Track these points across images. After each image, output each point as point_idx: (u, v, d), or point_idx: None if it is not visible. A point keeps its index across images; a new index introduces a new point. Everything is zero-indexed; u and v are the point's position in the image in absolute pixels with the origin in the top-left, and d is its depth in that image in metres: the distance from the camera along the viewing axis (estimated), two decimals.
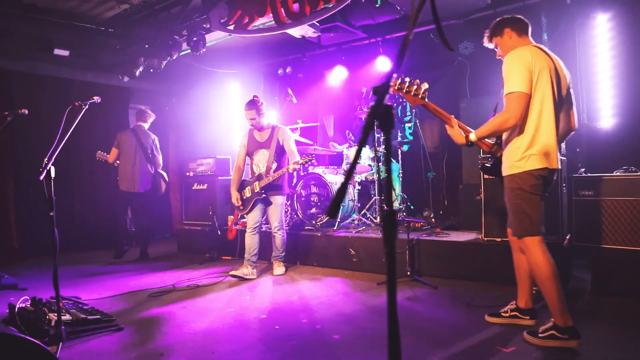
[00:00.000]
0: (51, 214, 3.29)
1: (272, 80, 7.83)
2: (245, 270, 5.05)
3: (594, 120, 5.18)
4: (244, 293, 4.52)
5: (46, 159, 3.30)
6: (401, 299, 4.11)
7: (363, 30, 6.21)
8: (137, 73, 6.65)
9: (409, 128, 6.94)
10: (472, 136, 3.02)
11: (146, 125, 6.41)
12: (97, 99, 3.93)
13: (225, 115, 7.94)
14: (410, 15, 1.63)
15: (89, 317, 3.57)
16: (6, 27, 6.10)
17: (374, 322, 3.54)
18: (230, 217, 6.33)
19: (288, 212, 6.25)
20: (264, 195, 5.08)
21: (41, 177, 3.20)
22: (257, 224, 5.19)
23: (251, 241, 5.16)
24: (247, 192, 5.21)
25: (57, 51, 6.66)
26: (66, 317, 3.43)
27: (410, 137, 6.82)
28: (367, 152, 5.94)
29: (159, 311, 4.01)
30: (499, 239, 4.53)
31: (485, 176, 4.64)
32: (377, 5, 5.16)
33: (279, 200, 5.14)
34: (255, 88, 7.92)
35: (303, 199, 6.03)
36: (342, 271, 5.23)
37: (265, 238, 5.85)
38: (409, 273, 4.67)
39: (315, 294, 4.40)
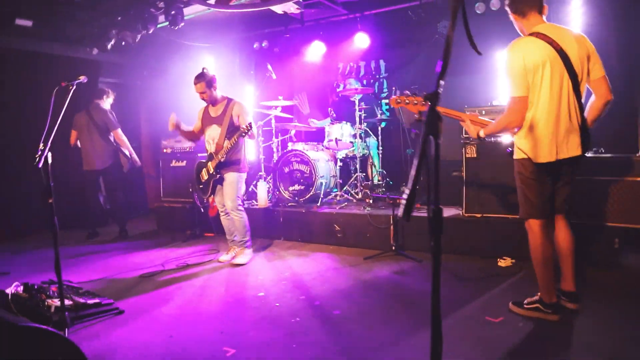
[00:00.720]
0: (50, 201, 3.23)
1: (247, 55, 7.72)
2: (233, 253, 5.01)
3: None
4: (235, 271, 4.60)
5: (41, 144, 3.21)
6: (389, 273, 4.32)
7: (344, 7, 6.21)
8: (109, 46, 6.41)
9: (386, 104, 7.07)
10: (482, 133, 3.14)
11: (103, 103, 6.26)
12: (83, 78, 3.81)
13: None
14: (451, 14, 1.72)
15: (88, 301, 3.58)
16: None
17: (370, 297, 3.72)
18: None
19: (269, 189, 6.29)
20: (218, 175, 4.76)
21: (40, 165, 3.12)
22: (223, 205, 4.97)
23: (226, 222, 5.03)
24: (204, 175, 4.89)
25: (18, 21, 6.30)
26: (67, 302, 3.42)
27: (387, 114, 6.95)
28: (348, 129, 6.03)
29: (155, 293, 4.04)
30: (478, 215, 4.78)
31: (468, 155, 4.84)
32: None
33: (230, 178, 4.75)
34: (230, 62, 7.81)
35: (286, 175, 6.09)
36: (327, 246, 5.39)
37: (258, 214, 5.92)
38: (393, 248, 4.87)
39: (306, 270, 4.54)
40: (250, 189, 6.47)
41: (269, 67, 6.50)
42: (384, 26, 6.69)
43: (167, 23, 6.08)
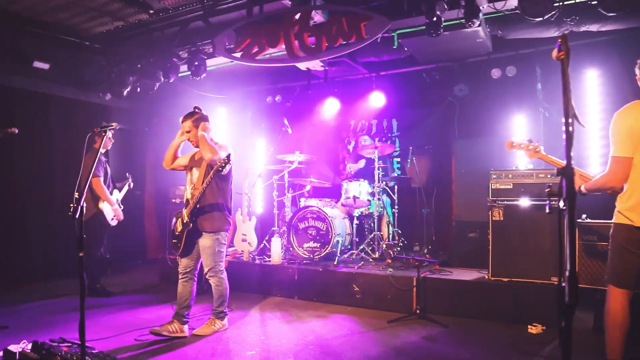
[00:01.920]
0: (80, 254, 3.01)
1: (259, 108, 7.73)
2: (170, 327, 4.12)
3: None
4: (254, 332, 4.35)
5: (76, 193, 3.03)
6: (418, 339, 4.13)
7: (364, 67, 6.32)
8: (125, 92, 6.35)
9: (397, 163, 7.08)
10: (583, 188, 3.08)
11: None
12: (116, 125, 3.70)
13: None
14: (563, 84, 1.68)
15: None
16: None
17: None
18: None
19: (283, 245, 6.11)
20: (191, 224, 4.06)
21: (77, 215, 2.93)
22: (189, 268, 4.24)
23: (181, 289, 4.23)
24: (179, 225, 4.19)
25: (36, 64, 6.24)
26: None
27: (398, 172, 6.95)
28: (366, 187, 5.97)
29: (171, 356, 3.76)
30: (505, 279, 4.68)
31: (494, 217, 4.79)
32: (393, 47, 5.27)
33: (205, 242, 4.12)
34: (242, 114, 7.80)
35: (301, 231, 5.93)
36: (345, 307, 5.17)
37: (271, 271, 5.71)
38: (418, 311, 4.70)
39: (330, 333, 4.31)
40: (262, 245, 6.28)
41: (285, 121, 6.49)
42: (399, 86, 6.82)
43: (187, 73, 6.08)
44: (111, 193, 5.68)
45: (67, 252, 6.60)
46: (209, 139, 4.10)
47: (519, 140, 3.51)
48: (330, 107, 7.03)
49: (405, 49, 5.56)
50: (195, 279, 4.34)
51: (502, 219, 4.79)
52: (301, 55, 5.18)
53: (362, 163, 6.50)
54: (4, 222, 6.21)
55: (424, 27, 4.71)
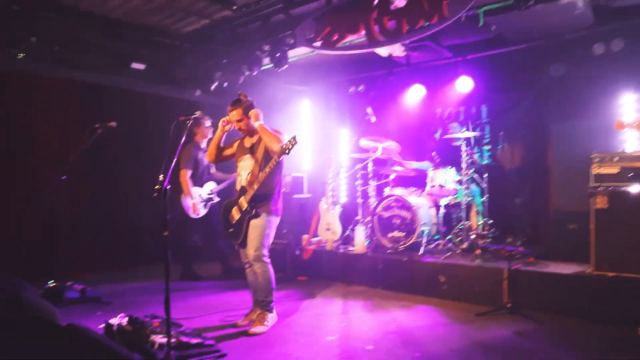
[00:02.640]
0: (165, 233, 3.16)
1: (342, 98, 7.69)
2: (253, 316, 4.08)
3: None
4: (336, 319, 4.32)
5: (161, 175, 3.18)
6: (509, 334, 3.85)
7: (449, 50, 6.03)
8: (212, 88, 6.61)
9: (488, 150, 6.69)
10: None
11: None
12: (199, 113, 3.83)
13: (296, 132, 7.80)
14: None
15: (191, 340, 3.42)
16: (88, 41, 6.15)
17: None
18: (305, 236, 6.17)
19: (367, 234, 6.02)
20: (254, 211, 3.99)
21: (159, 195, 3.07)
22: None
23: (252, 277, 4.18)
24: (235, 214, 4.10)
25: (134, 65, 6.68)
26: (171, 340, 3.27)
27: (489, 160, 6.56)
28: (452, 175, 5.69)
29: (252, 338, 3.82)
30: (611, 273, 4.21)
31: (598, 206, 4.33)
32: (479, 25, 4.96)
33: (257, 221, 3.99)
34: (325, 105, 7.81)
35: (385, 220, 5.80)
36: (430, 299, 4.95)
37: (355, 260, 5.69)
38: (509, 305, 4.38)
39: (413, 323, 4.16)
40: (346, 233, 6.24)
41: (369, 110, 6.39)
42: (487, 70, 6.41)
43: (269, 65, 6.19)
44: (202, 185, 5.81)
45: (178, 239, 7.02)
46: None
47: (632, 119, 3.09)
48: (414, 94, 6.80)
49: (493, 27, 5.20)
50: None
51: (607, 206, 4.31)
52: (381, 40, 5.04)
53: (427, 165, 6.20)
54: (109, 209, 6.76)
55: (512, 1, 4.38)
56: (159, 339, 3.27)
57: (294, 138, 3.84)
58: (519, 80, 6.34)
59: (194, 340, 3.43)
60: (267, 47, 6.04)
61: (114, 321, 3.66)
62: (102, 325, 3.69)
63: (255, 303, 4.20)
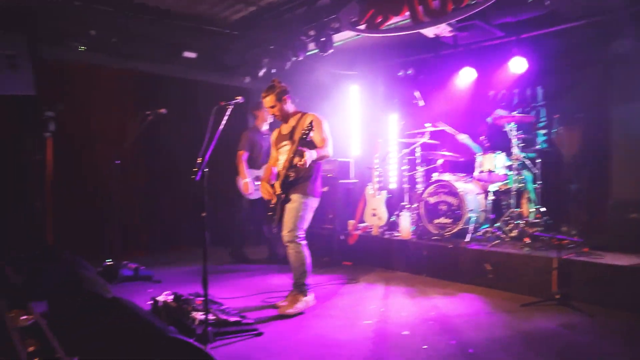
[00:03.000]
0: (203, 214, 3.28)
1: (391, 82, 7.56)
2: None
3: None
4: (375, 303, 4.31)
5: (200, 159, 3.28)
6: (555, 326, 3.69)
7: (500, 29, 5.76)
8: (261, 74, 6.72)
9: (543, 135, 6.37)
10: None
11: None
12: (240, 99, 3.89)
13: (343, 117, 7.80)
14: None
15: (230, 318, 3.54)
16: (142, 32, 6.41)
17: (534, 352, 3.17)
18: (351, 222, 6.17)
19: (413, 220, 5.95)
20: (284, 195, 4.04)
21: (197, 178, 3.19)
22: None
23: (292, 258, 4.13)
24: (272, 199, 4.18)
25: (185, 54, 6.90)
26: (210, 317, 3.40)
27: (545, 145, 6.24)
28: (502, 160, 5.48)
29: (292, 317, 3.90)
30: None
31: None
32: (529, 1, 4.70)
33: (293, 201, 3.99)
34: (373, 90, 7.73)
35: (431, 206, 5.69)
36: (475, 287, 4.83)
37: (399, 246, 5.64)
38: (557, 296, 4.19)
39: (454, 311, 4.07)
40: (392, 219, 6.18)
41: (417, 94, 6.25)
42: (542, 49, 6.06)
43: (315, 51, 6.19)
44: (259, 168, 5.86)
45: (219, 221, 7.27)
46: (321, 123, 4.10)
47: None
48: (465, 77, 6.56)
49: (546, 2, 4.90)
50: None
51: None
52: (426, 21, 4.90)
53: (498, 135, 5.97)
54: (164, 192, 7.08)
55: None
56: (199, 315, 3.40)
57: (310, 123, 3.87)
58: (577, 59, 5.95)
59: (233, 319, 3.54)
60: (312, 32, 6.04)
61: (161, 298, 3.85)
62: (150, 302, 3.89)
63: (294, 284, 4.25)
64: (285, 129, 4.24)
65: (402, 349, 3.20)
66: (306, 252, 4.07)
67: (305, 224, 4.10)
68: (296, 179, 4.02)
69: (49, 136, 5.01)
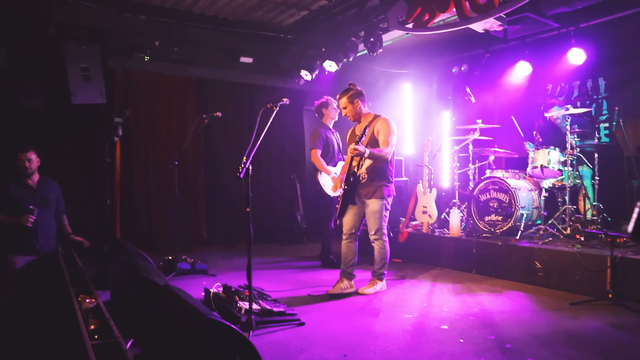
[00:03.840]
0: (248, 209, 3.50)
1: (445, 80, 7.51)
2: (342, 285, 4.47)
3: None
4: (419, 299, 4.36)
5: (245, 157, 3.51)
6: (603, 325, 3.58)
7: (554, 20, 5.58)
8: (313, 76, 6.92)
9: (605, 129, 6.09)
10: None
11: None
12: (286, 100, 4.08)
13: (397, 115, 7.83)
14: None
15: (274, 308, 3.75)
16: (202, 40, 6.80)
17: (576, 350, 3.10)
18: (402, 219, 6.22)
19: (463, 217, 5.92)
20: (346, 187, 4.38)
21: (242, 175, 3.41)
22: (353, 230, 4.52)
23: (345, 249, 4.54)
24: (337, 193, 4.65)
25: (242, 59, 7.23)
26: (255, 306, 3.62)
27: (606, 139, 5.97)
28: (556, 156, 5.31)
29: (336, 309, 4.06)
30: None
31: None
32: None
33: (375, 205, 4.38)
34: (427, 88, 7.70)
35: (482, 203, 5.63)
36: (524, 285, 4.74)
37: (448, 244, 5.68)
38: (610, 295, 4.04)
39: (497, 308, 4.04)
40: (442, 216, 6.17)
41: (468, 90, 6.19)
42: (604, 39, 5.79)
43: (364, 52, 6.30)
44: (335, 165, 5.75)
45: (283, 222, 7.54)
46: (389, 127, 4.40)
47: None
48: (520, 71, 6.39)
49: None
50: (357, 240, 4.60)
51: None
52: (473, 16, 4.86)
53: (553, 130, 5.80)
54: (224, 191, 7.42)
55: None
56: (246, 304, 3.63)
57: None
58: None
59: (277, 309, 3.75)
60: (362, 33, 6.16)
61: (212, 289, 4.14)
62: (202, 293, 4.19)
63: (342, 274, 4.52)
64: (358, 129, 4.54)
65: (437, 342, 3.25)
66: (387, 248, 4.54)
67: (386, 222, 4.52)
68: (370, 182, 4.39)
69: (117, 140, 5.47)
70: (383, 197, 4.39)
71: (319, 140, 5.72)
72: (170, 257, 5.51)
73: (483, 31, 5.49)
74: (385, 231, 4.51)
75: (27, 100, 6.17)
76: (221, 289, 4.10)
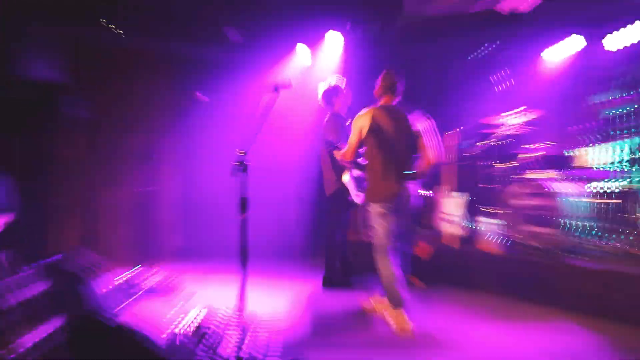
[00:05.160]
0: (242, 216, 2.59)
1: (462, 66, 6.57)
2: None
3: None
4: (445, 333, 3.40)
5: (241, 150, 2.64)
6: None
7: None
8: None
9: None
10: None
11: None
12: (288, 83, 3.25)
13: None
14: None
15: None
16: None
17: None
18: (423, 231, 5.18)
19: (497, 227, 4.92)
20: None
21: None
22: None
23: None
24: None
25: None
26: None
27: None
28: (620, 153, 4.36)
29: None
30: None
31: None
32: None
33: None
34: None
35: (518, 212, 4.67)
36: (578, 315, 3.75)
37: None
38: None
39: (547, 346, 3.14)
40: (472, 227, 5.16)
41: (494, 78, 5.25)
42: None
43: None
44: None
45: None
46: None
47: None
48: (562, 50, 5.49)
49: None
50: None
51: None
52: None
53: (602, 124, 4.84)
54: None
55: None
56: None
57: None
58: None
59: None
60: None
61: (179, 328, 3.15)
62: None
63: None
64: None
65: None
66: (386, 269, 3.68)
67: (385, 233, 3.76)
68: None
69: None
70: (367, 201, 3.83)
71: (343, 133, 4.57)
72: (134, 270, 4.53)
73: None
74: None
75: None
76: (194, 326, 3.11)
